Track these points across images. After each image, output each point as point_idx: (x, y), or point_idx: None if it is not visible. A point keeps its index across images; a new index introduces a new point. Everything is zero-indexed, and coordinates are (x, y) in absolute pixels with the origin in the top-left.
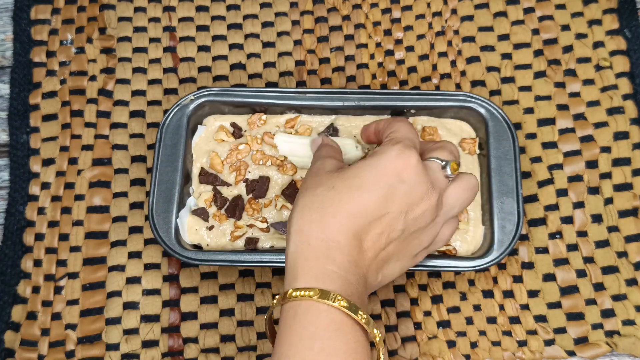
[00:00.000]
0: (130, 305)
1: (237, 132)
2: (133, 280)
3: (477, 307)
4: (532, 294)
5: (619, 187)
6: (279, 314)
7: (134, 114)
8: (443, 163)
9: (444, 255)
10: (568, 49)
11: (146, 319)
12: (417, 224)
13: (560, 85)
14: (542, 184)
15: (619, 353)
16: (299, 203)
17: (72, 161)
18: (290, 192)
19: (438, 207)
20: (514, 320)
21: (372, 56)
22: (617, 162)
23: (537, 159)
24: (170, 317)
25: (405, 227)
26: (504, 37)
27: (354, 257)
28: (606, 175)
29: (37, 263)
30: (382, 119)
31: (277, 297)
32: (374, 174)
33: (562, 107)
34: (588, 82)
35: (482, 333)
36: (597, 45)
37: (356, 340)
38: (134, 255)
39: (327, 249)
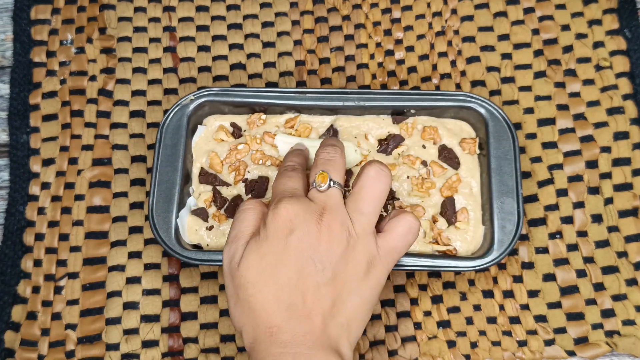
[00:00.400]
0: (130, 305)
1: (236, 132)
2: (133, 280)
3: (477, 307)
4: (532, 294)
5: (619, 187)
6: None
7: (134, 114)
8: (313, 183)
9: (444, 255)
10: (568, 49)
11: (146, 319)
12: (333, 252)
13: (560, 85)
14: (542, 184)
15: (619, 353)
16: (229, 305)
17: (72, 161)
18: None
19: (341, 224)
20: (514, 320)
21: (372, 56)
22: (617, 162)
23: (537, 159)
24: (170, 317)
25: (324, 265)
26: (504, 37)
27: (301, 328)
28: (606, 175)
29: (37, 263)
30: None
31: None
32: (273, 245)
33: (562, 107)
34: (588, 82)
35: (482, 333)
36: (597, 45)
37: None
38: (134, 255)
39: (271, 335)
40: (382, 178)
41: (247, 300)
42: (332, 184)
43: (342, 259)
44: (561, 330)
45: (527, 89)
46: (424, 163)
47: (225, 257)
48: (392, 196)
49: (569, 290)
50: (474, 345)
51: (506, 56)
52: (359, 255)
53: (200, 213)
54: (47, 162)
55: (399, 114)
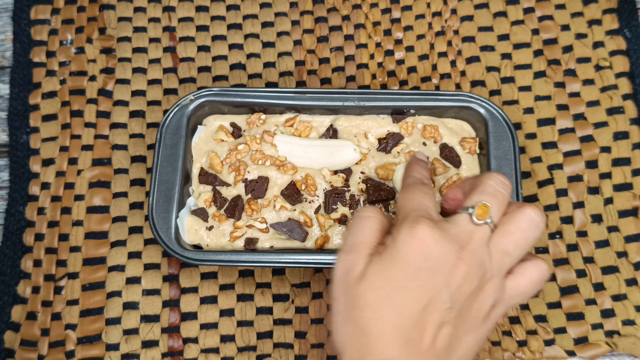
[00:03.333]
0: (130, 306)
1: (236, 132)
2: (133, 281)
3: None
4: None
5: (618, 187)
6: None
7: (133, 114)
8: (469, 212)
9: None
10: (568, 49)
11: (146, 319)
12: (463, 291)
13: (560, 85)
14: (542, 184)
15: (619, 353)
16: (335, 319)
17: (72, 161)
18: (289, 193)
19: (480, 264)
20: (514, 320)
21: (372, 56)
22: (617, 162)
23: (537, 159)
24: (170, 317)
25: (452, 303)
26: (503, 37)
27: None
28: (606, 175)
29: (37, 263)
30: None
31: None
32: (399, 271)
33: (562, 107)
34: (588, 82)
35: None
36: (597, 45)
37: None
38: (134, 255)
39: None
40: (541, 226)
41: (362, 323)
42: (489, 220)
43: (470, 297)
44: (561, 330)
45: (527, 89)
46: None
47: (341, 267)
48: (392, 196)
49: (569, 290)
50: None
51: (506, 56)
52: (487, 297)
53: (200, 213)
54: (47, 162)
55: (399, 114)
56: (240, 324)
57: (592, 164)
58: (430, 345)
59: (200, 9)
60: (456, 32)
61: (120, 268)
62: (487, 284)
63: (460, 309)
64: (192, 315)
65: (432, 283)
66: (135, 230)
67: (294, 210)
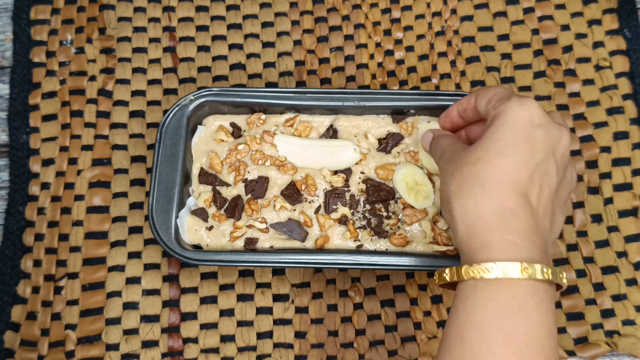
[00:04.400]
0: (130, 306)
1: (236, 132)
2: (133, 281)
3: None
4: None
5: (618, 187)
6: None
7: (133, 114)
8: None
9: (444, 255)
10: (568, 49)
11: (146, 319)
12: (564, 162)
13: (560, 85)
14: None
15: (619, 353)
16: (450, 188)
17: (72, 161)
18: (290, 193)
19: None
20: None
21: (372, 56)
22: (617, 162)
23: None
24: (170, 317)
25: (557, 169)
26: (503, 37)
27: (530, 222)
28: (606, 175)
29: (37, 263)
30: (462, 99)
31: (447, 270)
32: (511, 132)
33: (562, 107)
34: (588, 82)
35: None
36: (597, 45)
37: (544, 309)
38: (134, 255)
39: (503, 218)
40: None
41: (480, 177)
42: None
43: (562, 174)
44: (561, 330)
45: (527, 89)
46: None
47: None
48: (392, 196)
49: (569, 290)
50: None
51: (506, 56)
52: (566, 184)
53: (200, 213)
54: (47, 162)
55: (399, 114)
56: (240, 324)
57: (592, 164)
58: (537, 205)
59: (200, 9)
60: (456, 32)
61: (120, 268)
62: (566, 169)
63: (558, 181)
64: (192, 315)
65: (542, 147)
66: (135, 230)
67: (294, 210)
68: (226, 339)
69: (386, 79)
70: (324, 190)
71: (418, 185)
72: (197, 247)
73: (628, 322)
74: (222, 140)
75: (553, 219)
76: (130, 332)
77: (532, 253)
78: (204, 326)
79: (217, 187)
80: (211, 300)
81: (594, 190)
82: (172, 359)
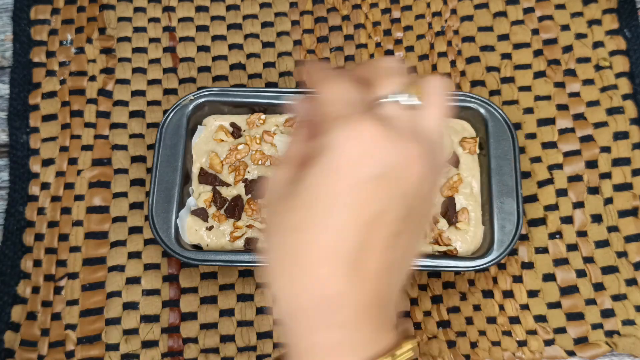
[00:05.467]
0: (130, 306)
1: (236, 132)
2: (133, 281)
3: (477, 307)
4: (532, 294)
5: (618, 187)
6: None
7: (133, 114)
8: (404, 97)
9: (444, 255)
10: (568, 49)
11: (146, 319)
12: (414, 195)
13: (560, 85)
14: (542, 184)
15: (618, 353)
16: (270, 257)
17: (72, 161)
18: None
19: (429, 154)
20: (514, 320)
21: (372, 56)
22: (617, 162)
23: (536, 159)
24: (170, 317)
25: (401, 210)
26: (503, 37)
27: (362, 299)
28: (606, 175)
29: (37, 263)
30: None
31: None
32: (335, 181)
33: (562, 107)
34: (588, 82)
35: (482, 333)
36: (597, 45)
37: None
38: (134, 255)
39: (327, 309)
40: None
41: (295, 249)
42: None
43: (424, 202)
44: (561, 330)
45: (526, 89)
46: None
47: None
48: None
49: (569, 290)
50: (473, 345)
51: (506, 56)
52: (433, 198)
53: (200, 213)
54: (47, 163)
55: None
56: (240, 324)
57: (592, 164)
58: (374, 267)
59: (200, 9)
60: (456, 32)
61: (120, 268)
62: (423, 199)
63: (406, 220)
64: (192, 315)
65: (376, 193)
66: (135, 230)
67: None
68: (226, 339)
69: None
70: None
71: None
72: (197, 247)
73: (628, 322)
74: (222, 140)
75: (410, 252)
76: (130, 332)
77: (365, 346)
78: (204, 326)
79: (217, 187)
80: (211, 300)
81: (593, 190)
82: (172, 359)
